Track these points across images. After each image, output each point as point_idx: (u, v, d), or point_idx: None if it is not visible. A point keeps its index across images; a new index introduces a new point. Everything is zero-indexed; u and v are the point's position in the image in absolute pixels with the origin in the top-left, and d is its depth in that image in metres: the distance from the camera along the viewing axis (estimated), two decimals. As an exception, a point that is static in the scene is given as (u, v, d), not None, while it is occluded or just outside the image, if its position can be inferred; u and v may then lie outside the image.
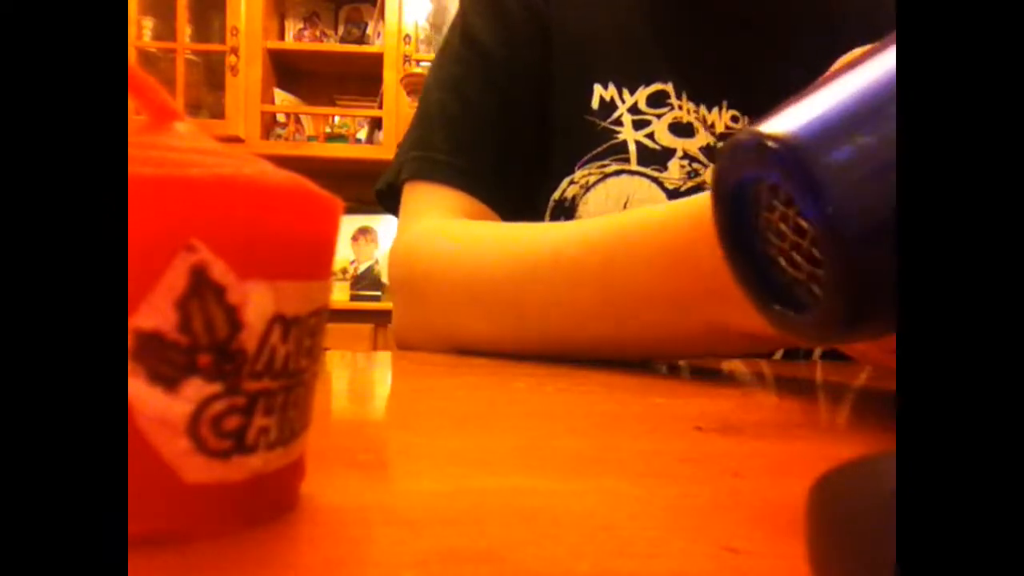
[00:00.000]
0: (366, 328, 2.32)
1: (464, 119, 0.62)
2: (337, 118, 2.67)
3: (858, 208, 0.18)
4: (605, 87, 0.63)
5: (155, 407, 0.15)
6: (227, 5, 2.44)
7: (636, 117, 0.63)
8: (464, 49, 0.65)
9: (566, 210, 0.62)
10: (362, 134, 2.67)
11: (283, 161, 0.17)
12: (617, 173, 0.62)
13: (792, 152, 0.18)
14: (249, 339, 0.15)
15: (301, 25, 2.69)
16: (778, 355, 0.61)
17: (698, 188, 0.62)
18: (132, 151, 0.15)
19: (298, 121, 2.65)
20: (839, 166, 0.18)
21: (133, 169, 0.14)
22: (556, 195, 0.63)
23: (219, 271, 0.15)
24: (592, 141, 0.63)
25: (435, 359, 0.53)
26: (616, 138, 0.62)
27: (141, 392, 0.15)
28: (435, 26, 2.55)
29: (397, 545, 0.17)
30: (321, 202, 0.17)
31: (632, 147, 0.62)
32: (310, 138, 2.62)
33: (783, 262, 0.20)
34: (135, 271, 0.14)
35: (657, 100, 0.64)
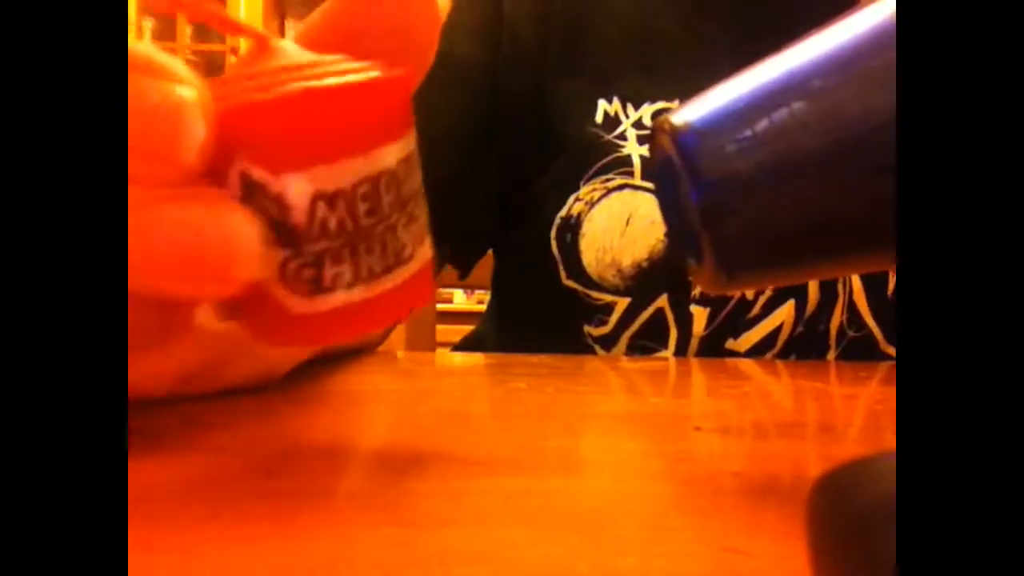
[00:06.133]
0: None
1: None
2: (337, 118, 2.67)
3: (729, 198, 0.20)
4: (610, 102, 0.63)
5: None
6: (227, 5, 2.44)
7: (641, 132, 0.63)
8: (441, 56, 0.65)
9: (572, 227, 0.62)
10: (362, 134, 2.67)
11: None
12: (620, 188, 0.61)
13: (678, 138, 0.21)
14: (298, 216, 0.19)
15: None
16: (770, 354, 0.61)
17: None
18: (219, 86, 0.19)
19: (298, 121, 2.65)
20: (721, 155, 0.20)
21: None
22: (563, 212, 0.62)
23: (258, 173, 0.19)
24: (596, 154, 0.62)
25: (435, 359, 0.53)
26: (620, 151, 0.62)
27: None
28: (435, 26, 2.55)
29: (397, 545, 0.17)
30: (366, 88, 0.20)
31: (636, 161, 0.62)
32: (310, 138, 2.62)
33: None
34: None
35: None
